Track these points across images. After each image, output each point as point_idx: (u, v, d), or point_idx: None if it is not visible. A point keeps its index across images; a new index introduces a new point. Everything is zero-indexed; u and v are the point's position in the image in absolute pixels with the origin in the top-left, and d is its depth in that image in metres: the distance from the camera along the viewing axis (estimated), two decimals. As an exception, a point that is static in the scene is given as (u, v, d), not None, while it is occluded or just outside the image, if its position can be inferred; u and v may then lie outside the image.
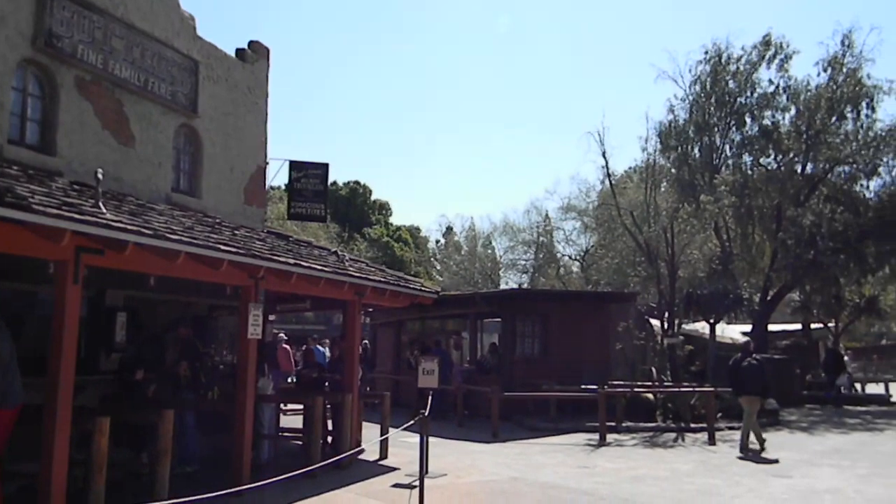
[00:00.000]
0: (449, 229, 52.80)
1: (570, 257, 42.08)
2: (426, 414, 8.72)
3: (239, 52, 13.44)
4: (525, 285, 39.44)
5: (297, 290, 10.16)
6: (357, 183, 58.25)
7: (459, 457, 12.29)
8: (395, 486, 9.77)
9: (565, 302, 21.68)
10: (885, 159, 24.02)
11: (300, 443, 11.48)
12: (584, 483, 10.06)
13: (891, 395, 25.65)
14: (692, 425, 15.83)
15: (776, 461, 12.27)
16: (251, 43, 13.73)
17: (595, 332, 19.59)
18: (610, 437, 14.63)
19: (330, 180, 17.02)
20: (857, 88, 23.56)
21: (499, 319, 20.19)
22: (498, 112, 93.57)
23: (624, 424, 15.92)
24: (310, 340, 19.29)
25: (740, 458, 12.74)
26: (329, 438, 12.29)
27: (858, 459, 12.33)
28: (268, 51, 14.00)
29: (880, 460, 12.33)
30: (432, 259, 53.81)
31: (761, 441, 13.46)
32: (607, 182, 27.22)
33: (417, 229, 60.71)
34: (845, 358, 26.99)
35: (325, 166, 15.68)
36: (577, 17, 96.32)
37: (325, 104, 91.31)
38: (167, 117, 11.42)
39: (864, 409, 22.41)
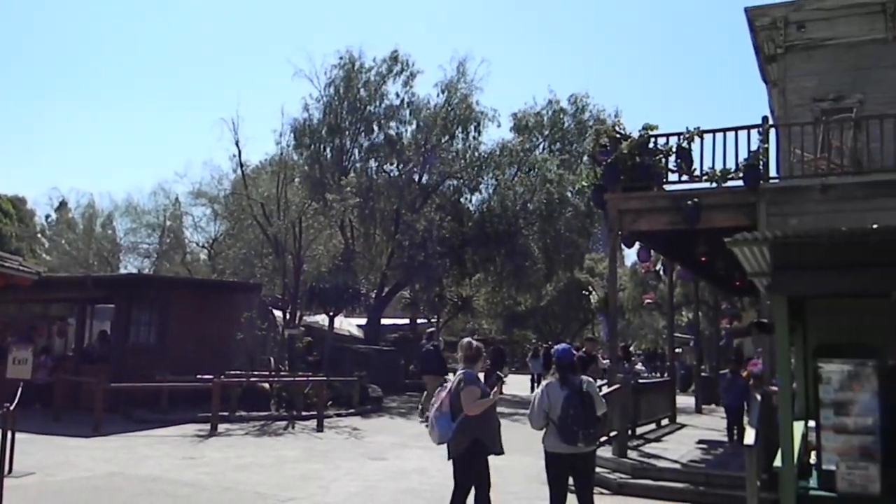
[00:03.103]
0: (62, 204, 47.74)
1: (197, 244, 40.85)
2: (11, 407, 7.94)
3: None
4: (148, 271, 37.34)
5: None
6: (-56, 141, 49.82)
7: (53, 453, 11.31)
8: (-32, 488, 8.69)
9: (188, 290, 21.08)
10: (485, 178, 27.58)
11: None
12: (187, 474, 9.97)
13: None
14: (304, 413, 16.50)
15: None
16: None
17: (217, 322, 19.35)
18: (222, 426, 14.61)
19: None
20: (467, 112, 26.72)
21: (113, 305, 18.92)
22: (127, 82, 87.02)
23: (238, 414, 16.04)
24: None
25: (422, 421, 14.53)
26: None
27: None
28: None
29: (461, 442, 14.10)
30: (39, 235, 48.15)
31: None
32: (240, 171, 27.10)
33: (22, 200, 53.80)
34: (505, 355, 30.62)
35: None
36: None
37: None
38: None
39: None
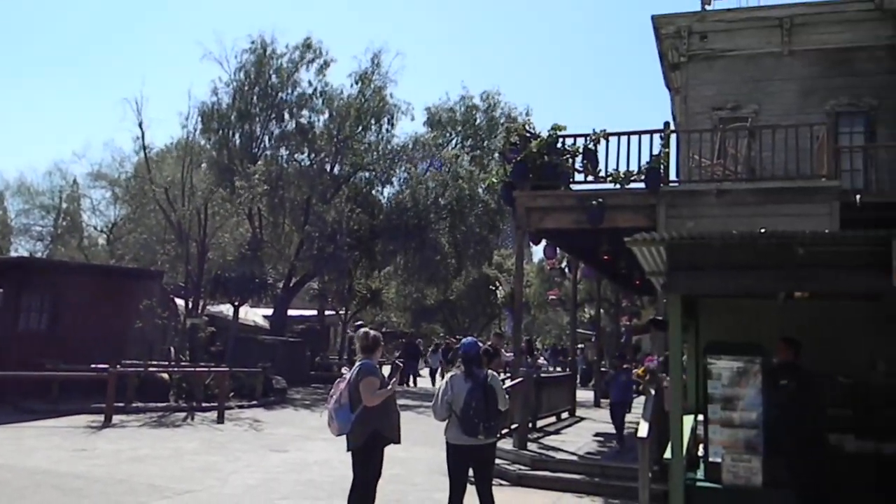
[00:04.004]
0: (-52, 182, 44.93)
1: (96, 228, 39.25)
2: None
3: None
4: (41, 254, 35.69)
5: None
6: None
7: (-69, 445, 10.69)
8: None
9: (83, 275, 20.22)
10: (397, 171, 27.56)
11: None
12: (78, 466, 9.59)
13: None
14: (204, 405, 16.12)
15: None
16: None
17: (115, 310, 18.63)
18: (117, 418, 14.12)
19: None
20: (381, 104, 26.61)
21: (1, 290, 17.95)
22: (22, 54, 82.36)
23: (134, 405, 15.53)
24: None
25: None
26: None
27: (347, 433, 13.89)
28: None
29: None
30: (-82, 215, 45.21)
31: None
32: (143, 154, 26.18)
33: None
34: (420, 348, 30.50)
35: None
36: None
37: None
38: None
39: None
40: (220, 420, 14.81)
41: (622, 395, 12.41)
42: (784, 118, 13.73)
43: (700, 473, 6.06)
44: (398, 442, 6.50)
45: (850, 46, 15.33)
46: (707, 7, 16.26)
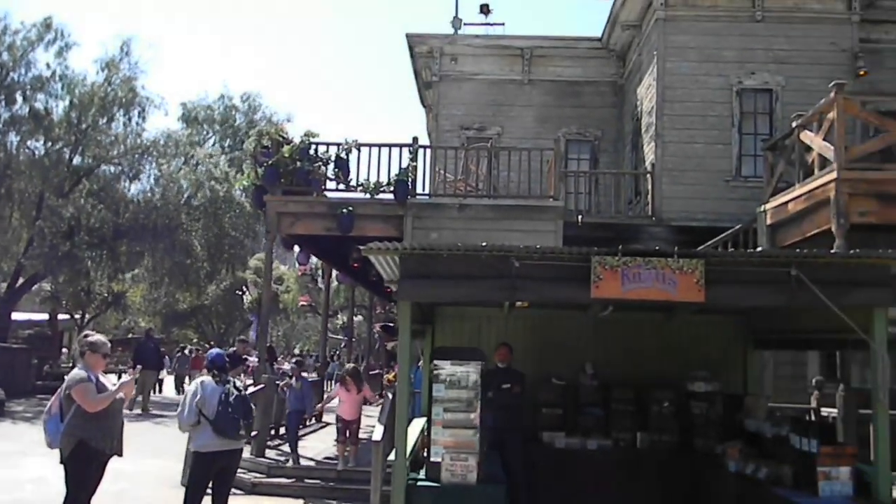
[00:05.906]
0: None
1: None
2: None
3: None
4: None
5: None
6: None
7: None
8: None
9: None
10: (147, 167, 25.91)
11: None
12: None
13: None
14: None
15: None
16: None
17: None
18: None
19: None
20: (130, 95, 24.87)
21: None
22: None
23: None
24: None
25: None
26: None
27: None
28: None
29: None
30: None
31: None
32: None
33: None
34: (179, 354, 28.15)
35: None
36: None
37: None
38: None
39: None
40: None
41: (299, 403, 11.88)
42: (522, 141, 14.90)
43: (422, 473, 6.36)
44: (117, 453, 6.11)
45: (580, 80, 17.06)
46: (458, 31, 17.22)
